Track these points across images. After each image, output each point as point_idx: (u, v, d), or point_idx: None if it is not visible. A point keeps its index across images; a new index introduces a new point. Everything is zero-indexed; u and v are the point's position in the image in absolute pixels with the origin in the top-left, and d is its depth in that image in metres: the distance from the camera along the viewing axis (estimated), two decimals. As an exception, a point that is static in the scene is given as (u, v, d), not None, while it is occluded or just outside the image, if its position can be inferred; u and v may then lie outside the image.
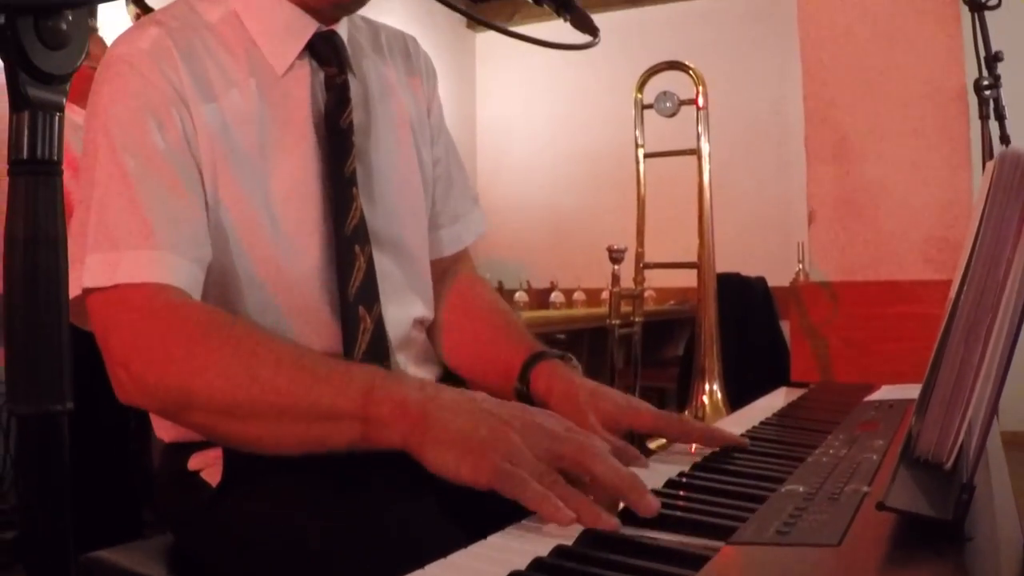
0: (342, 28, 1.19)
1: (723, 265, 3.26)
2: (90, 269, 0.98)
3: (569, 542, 0.68)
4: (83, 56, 0.70)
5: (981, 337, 0.62)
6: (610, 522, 0.71)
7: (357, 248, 1.12)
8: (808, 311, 2.46)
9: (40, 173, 0.68)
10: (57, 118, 0.69)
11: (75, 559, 0.69)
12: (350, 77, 1.17)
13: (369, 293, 1.12)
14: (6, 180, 0.67)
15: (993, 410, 0.61)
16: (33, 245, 0.67)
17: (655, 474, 0.88)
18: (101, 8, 2.62)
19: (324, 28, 1.15)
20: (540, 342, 1.24)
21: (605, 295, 3.33)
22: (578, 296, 5.80)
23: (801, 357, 2.45)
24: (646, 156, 3.08)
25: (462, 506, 0.87)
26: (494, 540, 0.71)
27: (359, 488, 0.95)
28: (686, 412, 2.86)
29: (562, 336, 4.52)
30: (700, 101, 3.01)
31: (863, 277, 2.45)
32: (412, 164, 1.25)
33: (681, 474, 0.88)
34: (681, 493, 0.83)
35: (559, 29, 1.28)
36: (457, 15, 6.27)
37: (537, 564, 0.63)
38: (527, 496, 0.74)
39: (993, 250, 0.63)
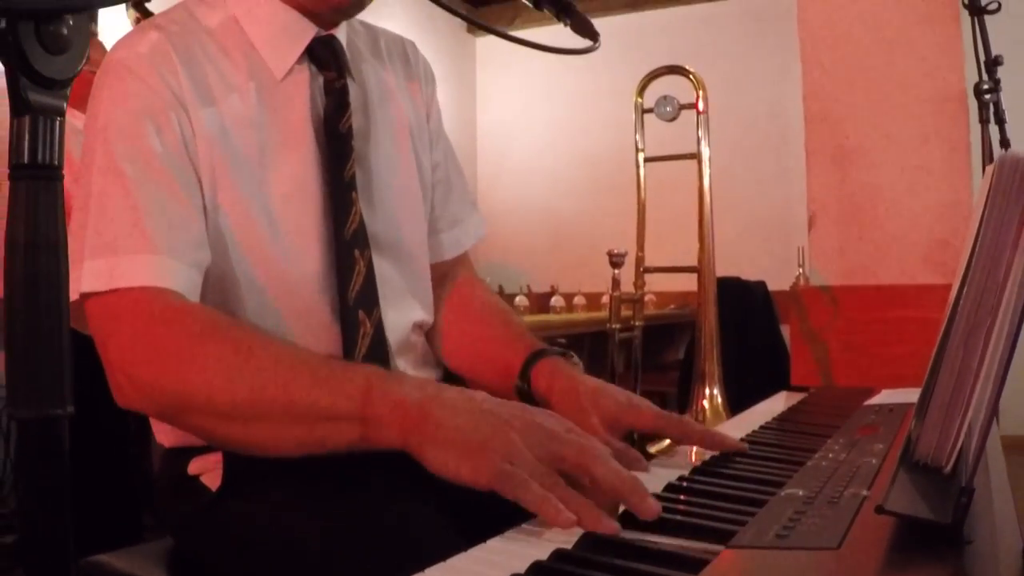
0: (341, 33, 1.19)
1: (723, 269, 3.25)
2: (88, 274, 0.98)
3: (569, 546, 0.68)
4: (84, 61, 0.70)
5: (980, 340, 0.62)
6: (610, 526, 0.70)
7: (357, 252, 1.12)
8: (808, 315, 2.46)
9: (41, 178, 0.69)
10: (58, 123, 0.69)
11: (75, 563, 0.69)
12: (349, 82, 1.17)
13: (369, 297, 1.12)
14: (7, 184, 0.67)
15: (992, 413, 0.61)
16: (34, 249, 0.68)
17: (655, 478, 0.88)
18: (101, 12, 2.62)
19: (323, 33, 1.15)
20: (541, 340, 1.24)
21: (605, 299, 3.32)
22: (578, 300, 5.80)
23: (801, 361, 2.45)
24: (646, 160, 3.08)
25: (462, 507, 0.87)
26: (494, 543, 0.71)
27: (359, 492, 0.95)
28: (687, 416, 2.85)
29: (563, 340, 4.52)
30: (700, 105, 3.01)
31: (863, 281, 2.45)
32: (411, 168, 1.25)
33: (681, 478, 0.88)
34: (681, 497, 0.83)
35: (559, 34, 1.28)
36: (457, 19, 6.27)
37: (537, 568, 0.63)
38: (527, 498, 0.74)
39: (992, 254, 0.63)
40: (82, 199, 1.03)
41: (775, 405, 1.42)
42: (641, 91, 3.11)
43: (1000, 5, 2.19)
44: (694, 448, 1.04)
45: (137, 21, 2.90)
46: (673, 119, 3.07)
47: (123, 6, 2.82)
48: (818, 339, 2.44)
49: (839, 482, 0.80)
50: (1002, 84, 2.21)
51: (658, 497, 0.80)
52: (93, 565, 1.11)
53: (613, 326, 3.06)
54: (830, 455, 0.94)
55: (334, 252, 1.11)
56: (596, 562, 0.64)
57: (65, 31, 0.68)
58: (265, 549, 0.97)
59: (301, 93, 1.14)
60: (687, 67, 3.07)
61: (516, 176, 7.03)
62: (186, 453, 1.10)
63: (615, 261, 3.02)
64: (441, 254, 1.34)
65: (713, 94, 3.11)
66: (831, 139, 2.52)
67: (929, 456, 0.65)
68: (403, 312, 1.20)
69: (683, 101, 3.07)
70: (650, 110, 3.09)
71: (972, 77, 2.26)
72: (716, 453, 1.00)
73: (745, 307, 4.74)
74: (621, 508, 0.75)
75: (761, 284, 5.08)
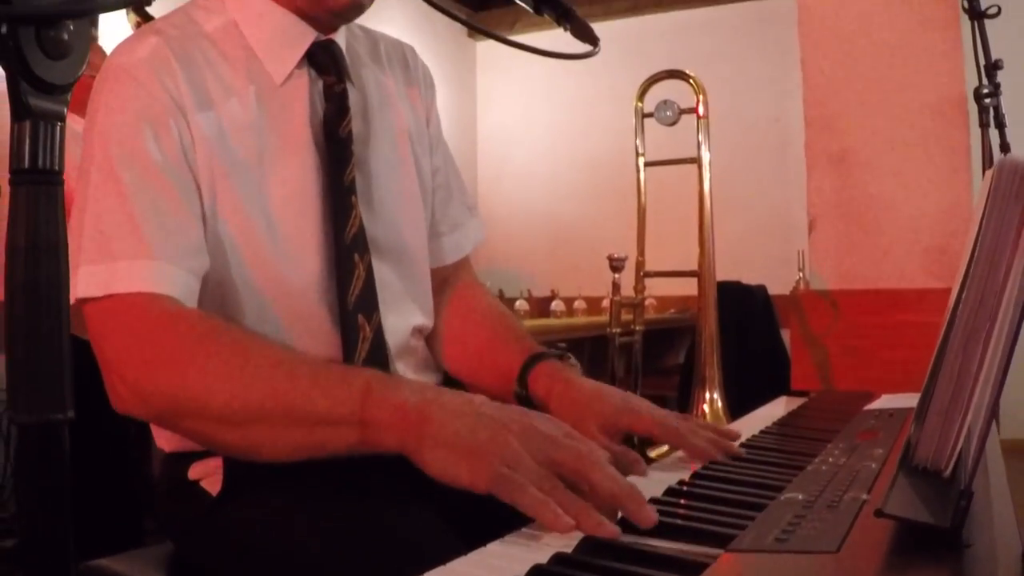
0: (340, 37, 1.19)
1: (723, 273, 3.26)
2: (84, 279, 0.98)
3: (568, 550, 0.68)
4: (84, 66, 0.70)
5: (980, 344, 0.62)
6: (610, 529, 0.70)
7: (356, 257, 1.12)
8: (808, 319, 2.46)
9: (41, 183, 0.69)
10: (58, 128, 0.69)
11: (75, 567, 0.69)
12: (349, 86, 1.17)
13: (368, 302, 1.12)
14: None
15: (991, 417, 0.61)
16: (34, 254, 0.68)
17: (655, 482, 0.88)
18: (102, 16, 2.62)
19: (323, 37, 1.15)
20: (538, 343, 1.24)
21: (606, 303, 3.32)
22: (579, 305, 5.80)
23: (801, 365, 2.45)
24: (647, 165, 3.08)
25: (462, 512, 0.87)
26: (493, 547, 0.71)
27: (358, 497, 0.95)
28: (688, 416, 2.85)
29: (563, 344, 4.50)
30: (700, 110, 3.02)
31: (863, 285, 2.46)
32: (411, 173, 1.25)
33: (681, 482, 0.88)
34: (681, 501, 0.83)
35: (560, 38, 1.28)
36: (458, 24, 6.28)
37: (536, 571, 0.63)
38: (525, 502, 0.74)
39: (992, 257, 0.63)
40: (79, 203, 1.03)
41: (775, 410, 1.42)
42: (641, 95, 3.11)
43: (1000, 9, 2.20)
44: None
45: (138, 25, 2.91)
46: (673, 123, 3.07)
47: (123, 10, 2.82)
48: (818, 343, 2.44)
49: (839, 486, 0.80)
50: (1002, 88, 2.21)
51: (658, 501, 0.80)
52: (93, 569, 1.11)
53: (613, 330, 3.07)
54: (830, 459, 0.94)
55: (334, 256, 1.11)
56: (596, 566, 0.65)
57: (66, 36, 0.68)
58: (265, 554, 0.97)
59: (301, 98, 1.14)
60: (687, 71, 3.08)
61: (517, 180, 7.03)
62: (186, 458, 1.10)
63: (615, 265, 3.02)
64: (442, 258, 1.34)
65: (713, 98, 3.12)
66: (831, 143, 2.52)
67: (928, 460, 0.65)
68: (403, 316, 1.20)
69: (683, 105, 3.07)
70: (650, 114, 3.09)
71: (972, 81, 2.26)
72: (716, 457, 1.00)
73: (745, 311, 4.74)
74: (620, 513, 0.76)
75: (761, 288, 5.08)
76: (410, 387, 0.89)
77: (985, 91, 2.18)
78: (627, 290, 3.07)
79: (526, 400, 1.16)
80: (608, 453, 0.84)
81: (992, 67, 2.21)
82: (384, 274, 1.16)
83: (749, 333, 4.61)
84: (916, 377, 0.80)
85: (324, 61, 1.15)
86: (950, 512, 0.59)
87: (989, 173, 0.68)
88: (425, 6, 1.29)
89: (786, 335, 3.30)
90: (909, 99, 2.44)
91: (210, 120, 1.07)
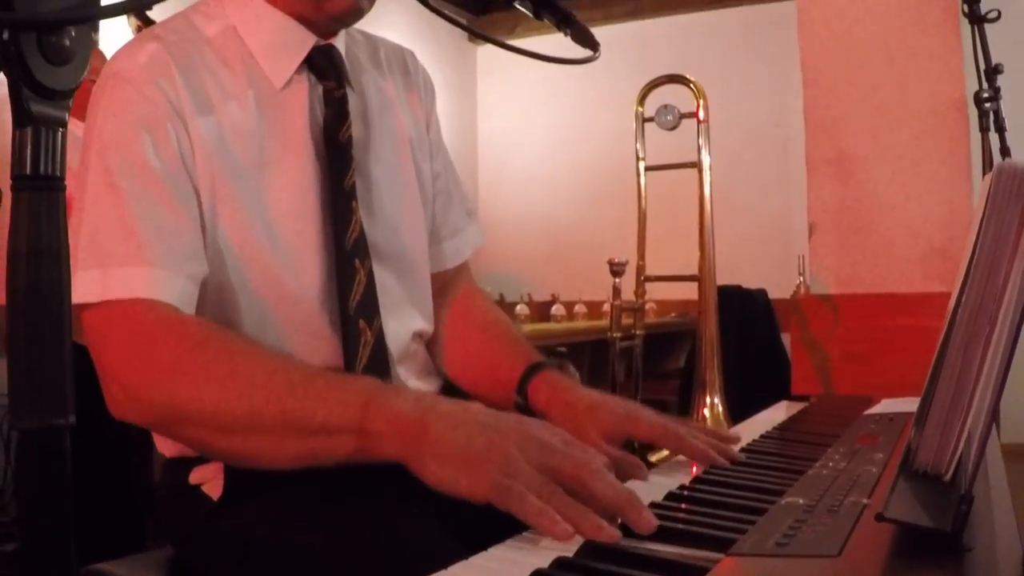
0: (340, 42, 1.19)
1: (724, 277, 3.25)
2: (80, 285, 0.98)
3: (570, 554, 0.68)
4: (86, 71, 0.70)
5: (979, 347, 0.62)
6: (611, 534, 0.70)
7: (357, 262, 1.12)
8: (809, 323, 2.46)
9: (43, 188, 0.69)
10: (60, 133, 0.70)
11: (76, 571, 0.69)
12: (348, 91, 1.17)
13: (369, 307, 1.12)
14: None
15: (991, 420, 0.61)
16: (35, 260, 0.68)
17: (656, 487, 0.88)
18: (103, 21, 2.63)
19: (322, 42, 1.15)
20: (537, 352, 1.24)
21: (606, 308, 3.32)
22: (579, 309, 5.80)
23: (802, 369, 2.45)
24: (647, 169, 3.07)
25: (463, 518, 0.87)
26: (495, 551, 0.71)
27: (359, 501, 0.95)
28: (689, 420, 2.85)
29: (563, 349, 4.51)
30: (701, 114, 3.01)
31: (864, 289, 2.46)
32: (411, 178, 1.25)
33: (682, 486, 0.88)
34: (682, 505, 0.83)
35: (560, 43, 1.28)
36: (458, 29, 6.29)
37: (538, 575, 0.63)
38: (524, 510, 0.74)
39: (991, 261, 0.63)
40: (77, 209, 1.03)
41: (776, 414, 1.42)
42: (642, 100, 3.11)
43: (1000, 13, 2.20)
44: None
45: (139, 29, 2.92)
46: (674, 128, 3.07)
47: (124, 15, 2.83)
48: (819, 347, 2.44)
49: (839, 491, 0.80)
50: (1002, 92, 2.21)
51: (659, 505, 0.80)
52: (94, 573, 1.11)
53: (614, 335, 3.06)
54: (830, 464, 0.94)
55: (334, 261, 1.11)
56: (597, 570, 0.65)
57: (67, 42, 0.68)
58: (266, 559, 0.97)
59: (300, 103, 1.14)
60: (688, 76, 3.08)
61: (517, 184, 7.04)
62: (187, 463, 1.10)
63: (616, 270, 3.02)
64: (443, 263, 1.34)
65: (714, 103, 3.11)
66: (831, 148, 2.52)
67: (929, 464, 0.65)
68: (403, 321, 1.20)
69: (684, 110, 3.06)
70: (651, 119, 3.09)
71: (972, 85, 2.26)
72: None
73: (746, 315, 4.74)
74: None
75: (762, 292, 5.08)
76: (408, 396, 0.89)
77: (985, 95, 2.18)
78: (627, 294, 3.07)
79: (526, 411, 1.16)
80: (607, 460, 0.83)
81: (992, 71, 2.21)
82: (385, 279, 1.16)
83: (750, 337, 4.61)
84: (916, 381, 0.80)
85: (324, 66, 1.15)
86: (950, 516, 0.59)
87: (988, 177, 0.68)
88: (425, 11, 1.29)
89: (786, 339, 3.30)
90: (909, 103, 2.44)
91: (210, 125, 1.06)
